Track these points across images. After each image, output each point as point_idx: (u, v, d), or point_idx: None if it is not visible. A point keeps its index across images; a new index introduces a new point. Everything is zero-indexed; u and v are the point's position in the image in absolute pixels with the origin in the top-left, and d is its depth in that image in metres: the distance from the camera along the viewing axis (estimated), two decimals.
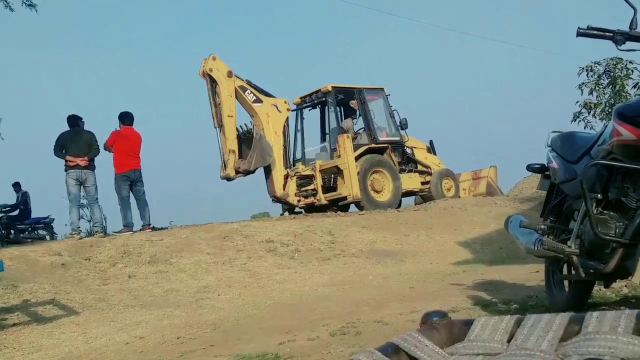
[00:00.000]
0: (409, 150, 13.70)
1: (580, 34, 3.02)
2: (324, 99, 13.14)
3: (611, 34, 2.96)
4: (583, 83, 12.29)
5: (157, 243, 7.87)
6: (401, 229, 9.79)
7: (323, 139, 13.72)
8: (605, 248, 2.86)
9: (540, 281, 4.31)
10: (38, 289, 6.07)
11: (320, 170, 12.26)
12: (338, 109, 13.24)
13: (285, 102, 12.67)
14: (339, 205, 12.47)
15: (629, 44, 2.92)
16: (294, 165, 12.97)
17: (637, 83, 11.56)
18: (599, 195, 2.90)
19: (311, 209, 12.46)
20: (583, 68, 12.28)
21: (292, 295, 6.08)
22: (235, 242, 8.15)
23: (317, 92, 13.15)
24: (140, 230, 9.12)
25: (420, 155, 13.91)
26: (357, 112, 13.17)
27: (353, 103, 13.11)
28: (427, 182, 13.55)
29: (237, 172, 11.86)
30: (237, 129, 12.02)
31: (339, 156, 12.12)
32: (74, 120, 9.11)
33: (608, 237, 2.74)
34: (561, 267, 3.61)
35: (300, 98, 13.48)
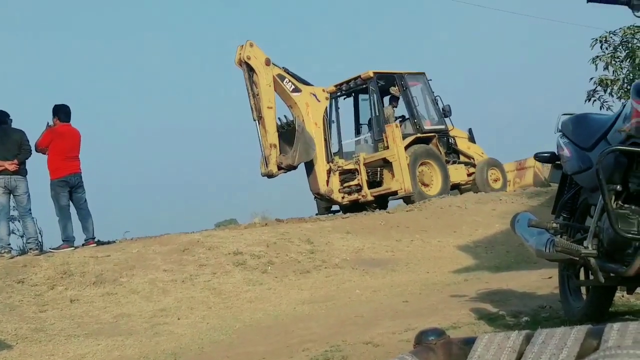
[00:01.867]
0: (451, 140, 14.58)
1: None
2: (364, 85, 13.93)
3: None
4: (597, 56, 12.39)
5: (104, 260, 7.79)
6: (392, 234, 9.82)
7: (357, 130, 14.75)
8: (627, 248, 2.89)
9: (555, 289, 4.35)
10: None
11: (364, 164, 13.07)
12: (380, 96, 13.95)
13: (323, 91, 13.67)
14: (381, 202, 13.43)
15: None
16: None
17: None
18: (619, 187, 2.93)
19: (353, 207, 13.24)
20: (596, 39, 12.38)
21: (265, 316, 6.07)
22: (196, 255, 8.10)
23: (355, 78, 13.91)
24: (83, 245, 9.03)
25: (463, 145, 14.80)
26: (398, 100, 14.00)
27: (394, 89, 13.90)
28: (472, 174, 14.45)
29: (279, 168, 12.76)
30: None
31: (387, 147, 12.98)
32: (1, 117, 8.97)
33: (630, 235, 2.77)
34: (577, 271, 3.65)
35: (335, 86, 14.21)
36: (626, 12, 3.12)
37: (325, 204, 13.86)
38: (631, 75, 12.05)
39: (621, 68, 12.42)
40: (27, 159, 8.89)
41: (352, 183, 13.35)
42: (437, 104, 14.28)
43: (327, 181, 13.35)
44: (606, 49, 12.45)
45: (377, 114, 13.69)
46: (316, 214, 13.59)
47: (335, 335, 4.52)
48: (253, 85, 12.59)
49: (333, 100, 14.27)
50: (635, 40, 12.20)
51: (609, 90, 12.44)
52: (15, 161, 8.67)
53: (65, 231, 9.01)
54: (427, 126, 13.89)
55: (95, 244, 9.01)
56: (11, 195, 8.81)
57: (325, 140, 13.57)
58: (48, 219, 9.62)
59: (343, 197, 13.48)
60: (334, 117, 14.26)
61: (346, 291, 6.97)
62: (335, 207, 13.99)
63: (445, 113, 14.22)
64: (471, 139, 15.12)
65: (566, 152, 3.54)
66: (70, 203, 9.17)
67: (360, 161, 13.13)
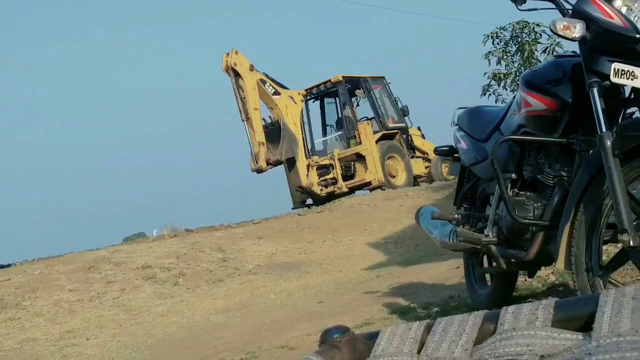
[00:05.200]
0: (409, 137, 16.14)
1: None
2: (334, 89, 15.51)
3: None
4: (489, 52, 12.88)
5: (4, 284, 7.46)
6: (304, 236, 9.85)
7: (324, 130, 16.35)
8: (525, 233, 3.00)
9: (462, 278, 4.47)
10: None
11: (338, 159, 14.65)
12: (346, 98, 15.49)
13: (299, 94, 15.15)
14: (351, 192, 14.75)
15: (530, 3, 3.07)
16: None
17: (547, 47, 12.27)
18: (513, 175, 3.04)
19: (327, 198, 14.36)
20: (488, 35, 12.86)
21: (179, 329, 5.95)
22: (103, 272, 7.86)
23: (325, 82, 15.53)
24: None
25: (418, 141, 16.41)
26: (357, 101, 15.80)
27: (359, 92, 15.57)
28: (428, 167, 15.95)
29: (267, 163, 14.23)
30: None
31: (359, 143, 14.66)
32: None
33: (526, 221, 2.88)
34: (481, 259, 3.76)
35: (306, 90, 15.66)
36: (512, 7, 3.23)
37: (301, 197, 15.10)
38: (522, 68, 12.57)
39: (513, 62, 12.95)
40: None
41: (328, 177, 14.82)
42: (397, 104, 15.88)
43: (307, 175, 14.71)
44: (497, 44, 12.96)
45: (348, 114, 15.20)
46: (292, 208, 14.64)
47: (251, 342, 4.48)
48: (239, 90, 13.87)
49: (304, 103, 15.50)
50: (524, 35, 12.75)
51: (502, 84, 12.95)
52: None
53: None
54: (390, 124, 15.42)
55: None
56: None
57: (303, 138, 15.03)
58: None
59: (321, 190, 14.79)
60: (305, 119, 15.60)
61: (261, 297, 6.93)
62: (309, 201, 15.26)
63: (404, 112, 15.87)
64: (422, 135, 16.60)
65: (463, 144, 3.65)
66: None
67: (335, 156, 14.64)
